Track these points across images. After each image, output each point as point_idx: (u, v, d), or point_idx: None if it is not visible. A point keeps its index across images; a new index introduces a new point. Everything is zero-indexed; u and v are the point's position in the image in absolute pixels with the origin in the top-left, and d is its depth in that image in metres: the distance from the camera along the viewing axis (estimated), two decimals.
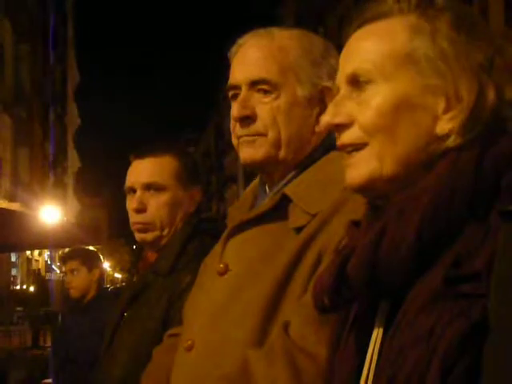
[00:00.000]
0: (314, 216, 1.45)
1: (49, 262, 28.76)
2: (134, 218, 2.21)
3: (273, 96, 1.54)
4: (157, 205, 2.19)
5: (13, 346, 11.49)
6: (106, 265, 32.55)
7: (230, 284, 1.52)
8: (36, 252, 25.84)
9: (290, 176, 1.57)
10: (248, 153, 1.57)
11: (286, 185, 1.56)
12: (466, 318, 0.83)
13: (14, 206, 21.75)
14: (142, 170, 2.23)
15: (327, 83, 1.55)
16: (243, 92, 1.56)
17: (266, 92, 1.54)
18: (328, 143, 1.53)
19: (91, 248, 7.12)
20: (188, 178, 2.25)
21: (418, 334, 0.87)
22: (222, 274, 1.55)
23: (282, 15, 41.07)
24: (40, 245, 12.23)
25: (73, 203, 48.74)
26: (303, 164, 1.57)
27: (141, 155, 2.24)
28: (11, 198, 24.40)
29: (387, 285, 0.96)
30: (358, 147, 1.03)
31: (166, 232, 2.20)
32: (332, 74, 1.53)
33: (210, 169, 72.19)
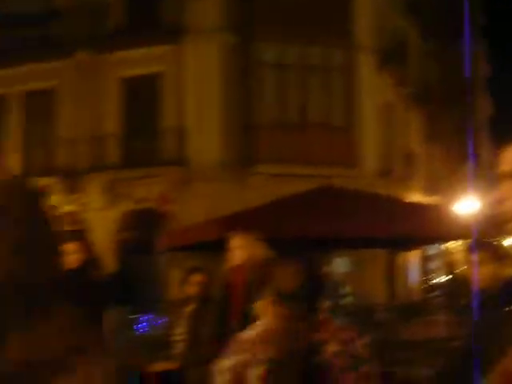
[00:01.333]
0: None
1: (465, 254, 28.62)
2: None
3: None
4: None
5: (430, 335, 11.72)
6: None
7: None
8: (453, 243, 26.03)
9: None
10: None
11: None
12: None
13: (431, 200, 22.25)
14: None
15: None
16: None
17: None
18: None
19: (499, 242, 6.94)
20: None
21: None
22: None
23: None
24: (457, 236, 12.28)
25: (488, 195, 47.83)
26: None
27: None
28: (427, 192, 25.00)
29: None
30: None
31: None
32: None
33: None
